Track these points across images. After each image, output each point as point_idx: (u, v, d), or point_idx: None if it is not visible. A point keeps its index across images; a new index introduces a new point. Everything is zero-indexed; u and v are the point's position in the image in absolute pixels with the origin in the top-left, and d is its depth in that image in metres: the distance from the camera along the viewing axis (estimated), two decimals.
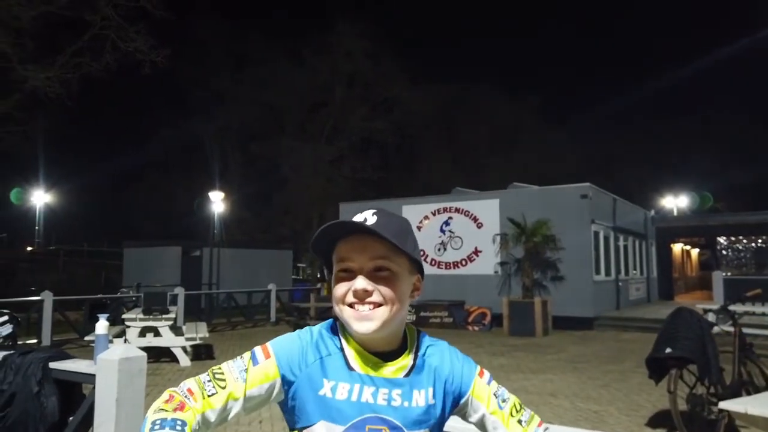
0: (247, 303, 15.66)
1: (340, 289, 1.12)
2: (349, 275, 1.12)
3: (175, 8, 21.13)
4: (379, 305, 1.10)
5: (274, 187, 30.95)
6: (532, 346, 11.00)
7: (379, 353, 1.14)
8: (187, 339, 9.24)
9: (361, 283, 1.10)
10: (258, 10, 43.90)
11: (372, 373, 1.12)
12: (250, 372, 1.11)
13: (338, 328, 1.18)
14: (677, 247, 24.94)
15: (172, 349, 9.16)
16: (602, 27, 56.93)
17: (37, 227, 31.76)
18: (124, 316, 9.74)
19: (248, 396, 1.10)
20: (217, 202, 21.32)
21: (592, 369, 8.62)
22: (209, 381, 1.09)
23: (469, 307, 14.30)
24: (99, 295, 15.72)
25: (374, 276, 1.11)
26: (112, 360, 2.75)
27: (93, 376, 2.88)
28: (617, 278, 16.14)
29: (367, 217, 1.12)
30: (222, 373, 1.11)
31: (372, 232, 1.08)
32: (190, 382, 1.09)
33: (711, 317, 5.31)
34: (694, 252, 28.82)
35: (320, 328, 1.19)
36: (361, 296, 1.10)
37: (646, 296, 19.42)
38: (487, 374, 1.25)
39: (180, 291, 13.31)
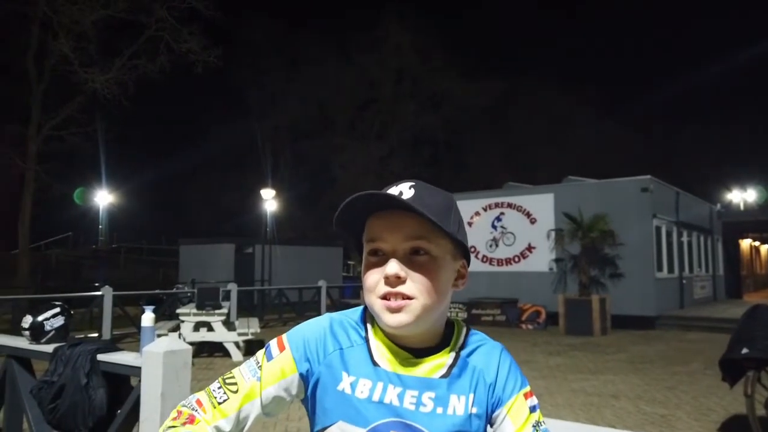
0: (298, 299, 15.79)
1: (370, 277, 0.94)
2: (381, 260, 0.94)
3: (227, 9, 21.54)
4: (413, 297, 0.91)
5: (324, 185, 31.21)
6: (590, 346, 10.59)
7: (412, 349, 0.97)
8: (240, 334, 9.34)
9: (393, 267, 0.91)
10: (307, 8, 44.26)
11: (401, 370, 0.95)
12: (265, 369, 0.99)
13: (366, 316, 1.01)
14: (745, 243, 23.70)
15: (225, 344, 9.27)
16: (661, 14, 54.64)
17: (100, 226, 33.06)
18: (178, 311, 9.94)
19: (265, 396, 0.98)
20: (269, 200, 21.59)
21: (656, 370, 8.18)
22: (219, 388, 0.99)
23: (522, 305, 13.93)
24: (156, 291, 16.24)
25: (410, 260, 0.92)
26: (157, 353, 2.69)
27: (139, 368, 2.83)
28: (681, 275, 15.39)
29: (403, 190, 0.93)
30: (233, 377, 1.00)
31: (408, 207, 0.89)
32: (199, 394, 1.00)
33: None
34: (764, 248, 27.31)
35: (343, 315, 1.03)
36: (393, 283, 0.91)
37: (712, 294, 18.50)
38: (534, 400, 1.01)
39: (233, 287, 13.50)
